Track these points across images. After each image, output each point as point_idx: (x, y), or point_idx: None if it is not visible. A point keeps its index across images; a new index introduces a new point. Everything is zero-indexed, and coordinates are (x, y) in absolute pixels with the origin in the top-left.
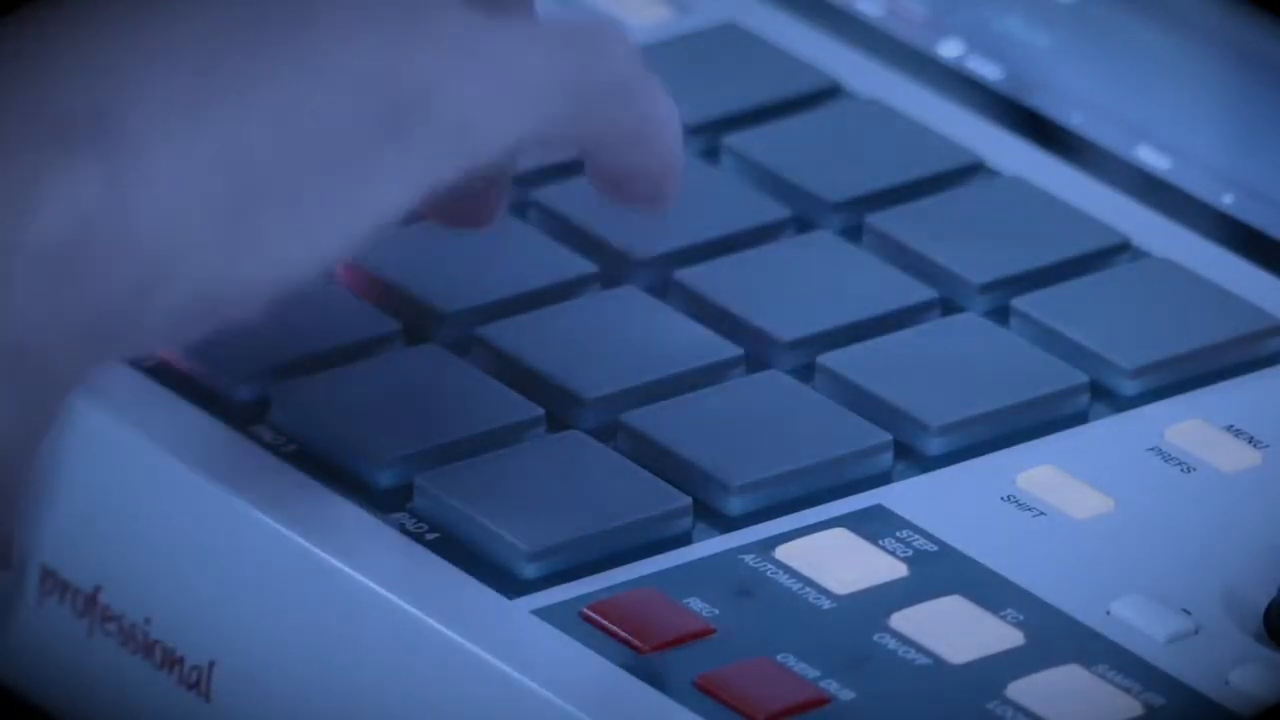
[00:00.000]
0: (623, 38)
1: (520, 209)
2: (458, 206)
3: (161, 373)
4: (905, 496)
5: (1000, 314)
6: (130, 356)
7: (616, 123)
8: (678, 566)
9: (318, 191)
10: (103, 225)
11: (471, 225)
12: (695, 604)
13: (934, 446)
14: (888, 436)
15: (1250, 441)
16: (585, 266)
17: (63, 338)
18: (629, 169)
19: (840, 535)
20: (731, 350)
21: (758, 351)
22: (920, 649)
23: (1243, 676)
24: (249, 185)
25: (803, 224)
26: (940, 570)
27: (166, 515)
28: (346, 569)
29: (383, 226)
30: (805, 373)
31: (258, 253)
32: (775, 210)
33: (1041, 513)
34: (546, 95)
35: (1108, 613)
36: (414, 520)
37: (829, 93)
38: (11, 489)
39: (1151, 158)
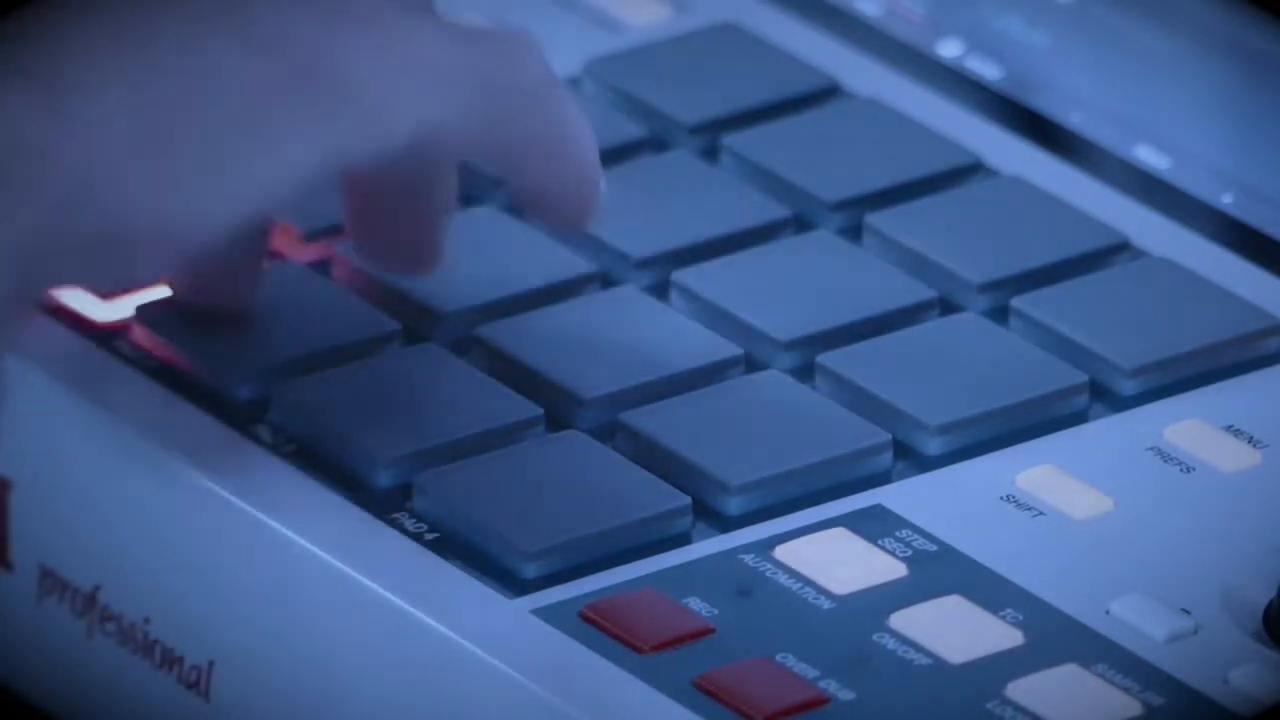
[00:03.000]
0: (537, 48)
1: (519, 209)
2: (214, 286)
3: (161, 373)
4: (905, 496)
5: (1000, 314)
6: (51, 287)
7: (526, 130)
8: (677, 566)
9: (224, 140)
10: (28, 144)
11: (230, 306)
12: (695, 604)
13: (934, 446)
14: (887, 436)
15: (1250, 441)
16: (584, 266)
17: None
18: (544, 185)
19: (840, 535)
20: (731, 350)
21: (757, 351)
22: (920, 649)
23: (1242, 676)
24: (163, 125)
25: (802, 224)
26: (940, 570)
27: (166, 515)
28: (346, 569)
29: (292, 188)
30: (805, 372)
31: (170, 191)
32: (775, 210)
33: (1041, 513)
34: (454, 88)
35: (1107, 612)
36: (414, 520)
37: (828, 92)
38: None
39: (1151, 157)
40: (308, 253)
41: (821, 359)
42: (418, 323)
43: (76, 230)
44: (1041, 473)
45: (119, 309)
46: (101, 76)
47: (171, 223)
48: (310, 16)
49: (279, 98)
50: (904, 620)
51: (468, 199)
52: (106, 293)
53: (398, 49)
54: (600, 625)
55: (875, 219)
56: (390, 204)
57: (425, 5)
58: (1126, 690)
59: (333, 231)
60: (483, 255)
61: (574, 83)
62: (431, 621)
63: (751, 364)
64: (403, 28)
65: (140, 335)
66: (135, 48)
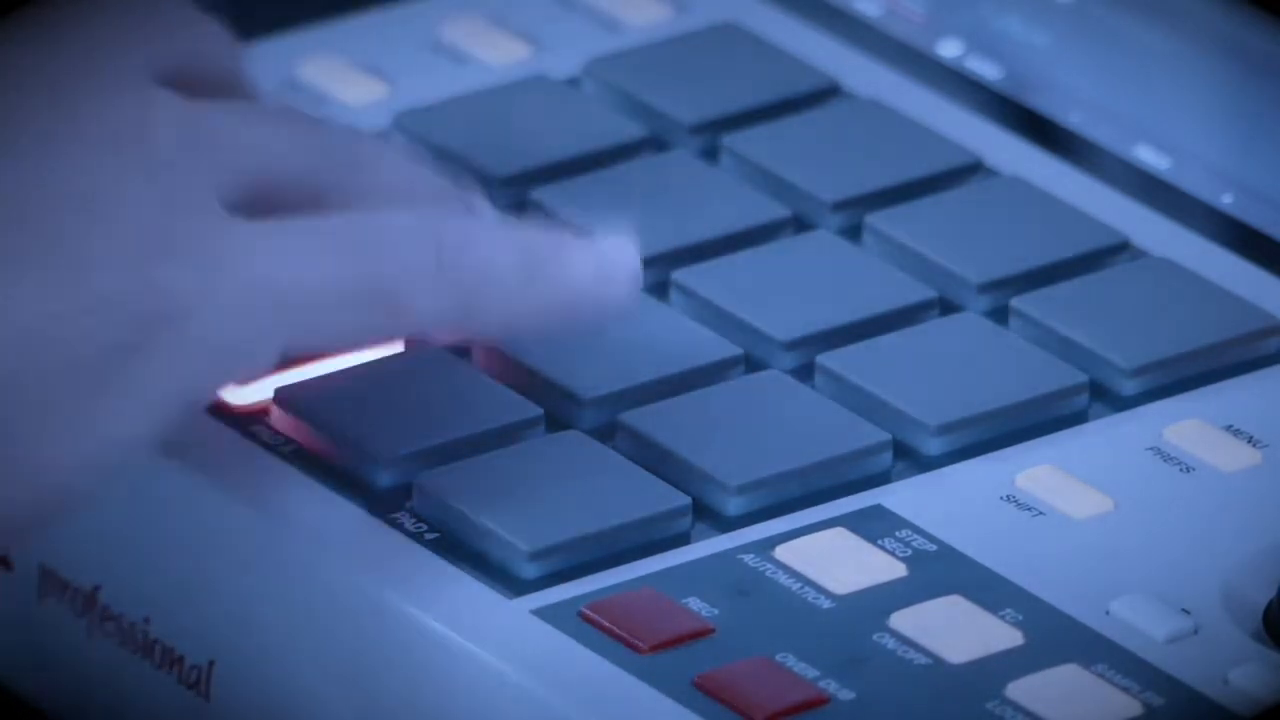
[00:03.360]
0: (411, 218)
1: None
2: None
3: None
4: (904, 496)
5: (1000, 314)
6: None
7: (441, 304)
8: (677, 566)
9: (65, 408)
10: None
11: None
12: (694, 604)
13: (933, 446)
14: (887, 436)
15: (1250, 441)
16: None
17: None
18: (528, 322)
19: (839, 535)
20: (731, 350)
21: (757, 351)
22: (919, 649)
23: (1242, 676)
24: None
25: (802, 224)
26: (939, 570)
27: (166, 515)
28: (346, 569)
29: (158, 430)
30: (805, 372)
31: (10, 473)
32: (774, 210)
33: (1041, 512)
34: (323, 305)
35: (1107, 612)
36: (414, 520)
37: (828, 93)
38: None
39: (1151, 157)
40: None
41: (821, 359)
42: None
43: None
44: (1041, 473)
45: None
46: None
47: (21, 505)
48: (137, 257)
49: (116, 360)
50: (904, 620)
51: None
52: None
53: (247, 278)
54: (600, 625)
55: (875, 219)
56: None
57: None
58: (1126, 690)
59: None
60: None
61: (574, 83)
62: (431, 621)
63: (751, 364)
64: (247, 249)
65: None
66: None
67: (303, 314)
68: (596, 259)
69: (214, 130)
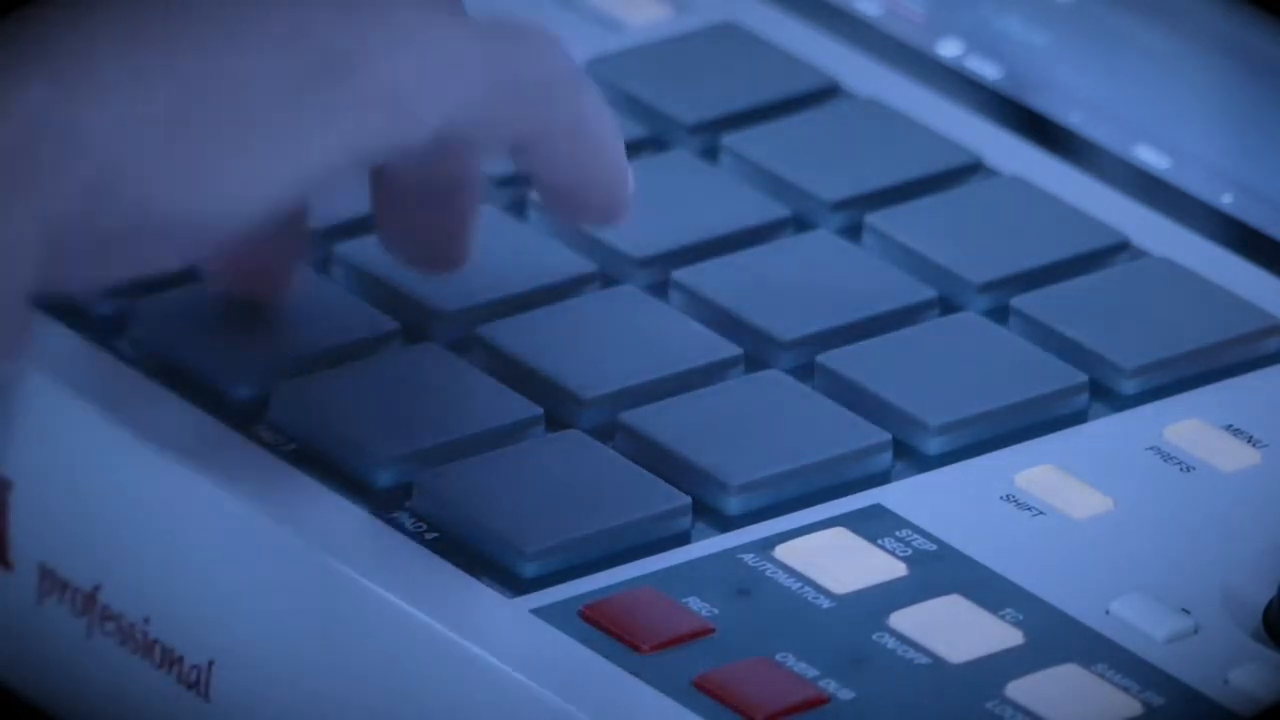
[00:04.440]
0: (556, 42)
1: (518, 208)
2: (250, 273)
3: (161, 371)
4: (904, 496)
5: (999, 313)
6: (72, 287)
7: (551, 123)
8: (677, 566)
9: (251, 132)
10: (51, 130)
11: (263, 293)
12: (694, 603)
13: (933, 446)
14: (887, 436)
15: (1249, 441)
16: (584, 266)
17: (15, 241)
18: (572, 178)
19: (839, 535)
20: (731, 350)
21: (757, 351)
22: (919, 648)
23: (1242, 676)
24: (186, 113)
25: (802, 223)
26: (939, 570)
27: (166, 515)
28: (346, 569)
29: (318, 182)
30: (805, 372)
31: (198, 180)
32: (774, 209)
33: (1041, 512)
34: (478, 82)
35: (1107, 612)
36: (414, 520)
37: (828, 92)
38: None
39: (1151, 157)
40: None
41: (821, 359)
42: (417, 322)
43: (104, 217)
44: (1041, 472)
45: (119, 306)
46: (128, 66)
47: (197, 212)
48: (335, 11)
49: (305, 91)
50: (904, 620)
51: None
52: (108, 290)
53: (421, 43)
54: (600, 625)
55: (875, 219)
56: (418, 201)
57: (444, 1)
58: (1126, 690)
59: (331, 233)
60: (483, 255)
61: None
62: (431, 621)
63: (751, 364)
64: (425, 22)
65: (140, 333)
66: (162, 39)
67: (464, 84)
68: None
69: None
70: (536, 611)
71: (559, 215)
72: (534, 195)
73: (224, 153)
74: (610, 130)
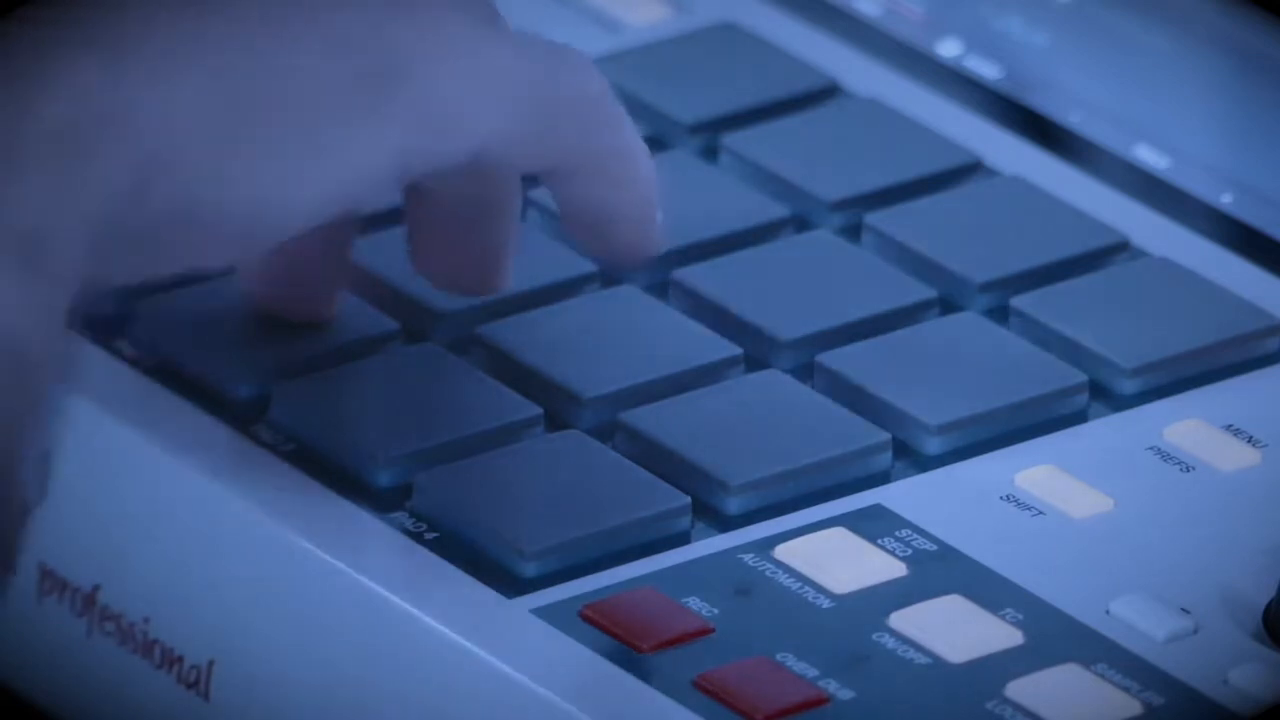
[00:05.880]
0: (592, 66)
1: (575, 239)
2: (292, 294)
3: (161, 372)
4: (904, 496)
5: (999, 313)
6: (117, 280)
7: (590, 149)
8: (676, 566)
9: (297, 133)
10: (104, 112)
11: (302, 315)
12: (694, 603)
13: (933, 446)
14: (887, 436)
15: (1249, 441)
16: (584, 266)
17: (66, 224)
18: (602, 209)
19: (839, 535)
20: (731, 350)
21: (757, 351)
22: (919, 648)
23: (1242, 676)
24: (236, 108)
25: (801, 223)
26: (939, 570)
27: (166, 514)
28: (346, 569)
29: (361, 189)
30: (804, 372)
31: (242, 176)
32: (774, 209)
33: (1040, 512)
34: (520, 100)
35: (1107, 612)
36: (413, 520)
37: (827, 92)
38: (10, 444)
39: (1150, 157)
40: None
41: (821, 359)
42: (417, 322)
43: (151, 206)
44: (1041, 472)
45: (119, 306)
46: (179, 57)
47: (244, 209)
48: (386, 17)
49: (353, 96)
50: (904, 620)
51: None
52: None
53: (470, 57)
54: (600, 625)
55: (875, 219)
56: (454, 223)
57: (492, 16)
58: (1126, 690)
59: None
60: None
61: None
62: (431, 621)
63: (751, 364)
64: (475, 36)
65: (140, 333)
66: (216, 32)
67: (506, 101)
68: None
69: None
70: (536, 611)
71: (585, 247)
72: (562, 225)
73: (273, 151)
74: (646, 167)
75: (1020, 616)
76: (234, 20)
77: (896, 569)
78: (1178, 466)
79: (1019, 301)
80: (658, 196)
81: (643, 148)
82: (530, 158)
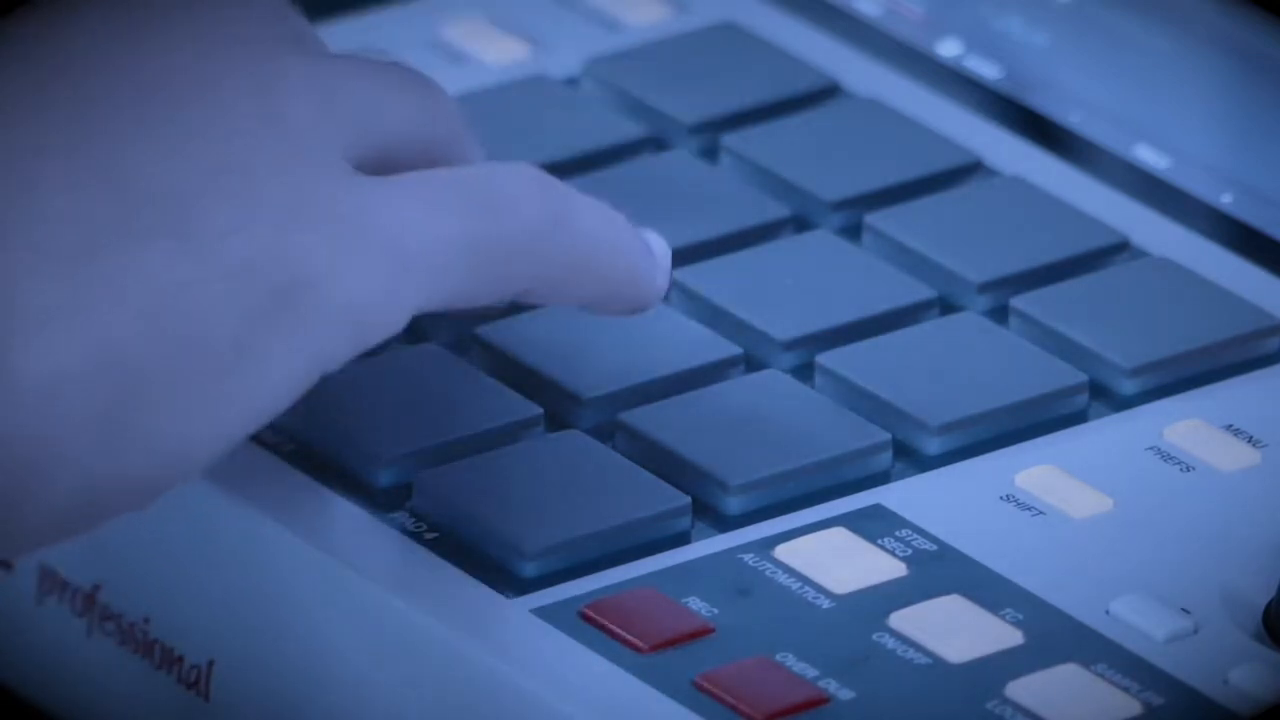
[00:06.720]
0: (527, 176)
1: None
2: None
3: None
4: (904, 496)
5: (999, 313)
6: (9, 558)
7: (544, 274)
8: (677, 566)
9: (198, 379)
10: None
11: None
12: (694, 603)
13: (933, 446)
14: (886, 436)
15: (1249, 441)
16: None
17: None
18: (596, 296)
19: (839, 535)
20: (730, 349)
21: (757, 351)
22: (919, 648)
23: (1242, 676)
24: (126, 379)
25: (801, 223)
26: (939, 570)
27: (165, 514)
28: (346, 568)
29: (281, 403)
30: (804, 372)
31: (138, 445)
32: (774, 209)
33: (1040, 512)
34: (452, 264)
35: (1107, 612)
36: (413, 520)
37: (828, 92)
38: None
39: (1151, 157)
40: None
41: (821, 359)
42: (418, 323)
43: (36, 508)
44: (1041, 472)
45: None
46: (38, 323)
47: (143, 479)
48: (270, 225)
49: (254, 327)
50: (904, 620)
51: None
52: None
53: (378, 242)
54: (600, 625)
55: (875, 219)
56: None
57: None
58: (1126, 690)
59: None
60: None
61: (573, 83)
62: (431, 621)
63: (751, 364)
64: (377, 212)
65: None
66: (71, 284)
67: (430, 274)
68: (660, 248)
69: (341, 90)
70: (536, 611)
71: (594, 313)
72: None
73: (171, 408)
74: (611, 237)
75: (1020, 616)
76: (116, 270)
77: (896, 569)
78: (1178, 466)
79: (1019, 301)
80: (638, 252)
81: (604, 225)
82: (483, 301)
